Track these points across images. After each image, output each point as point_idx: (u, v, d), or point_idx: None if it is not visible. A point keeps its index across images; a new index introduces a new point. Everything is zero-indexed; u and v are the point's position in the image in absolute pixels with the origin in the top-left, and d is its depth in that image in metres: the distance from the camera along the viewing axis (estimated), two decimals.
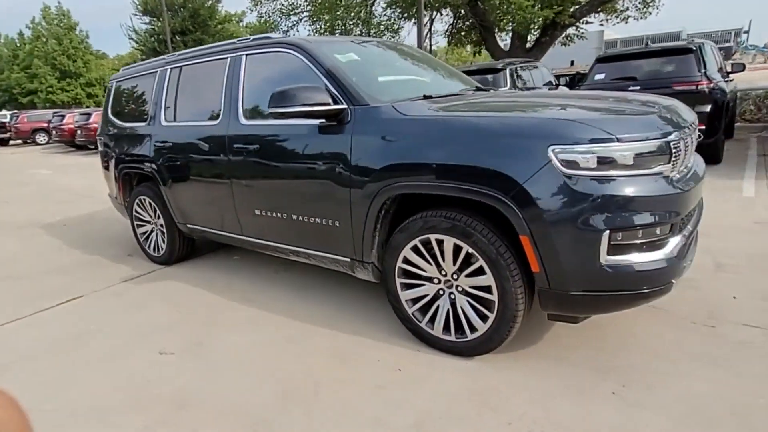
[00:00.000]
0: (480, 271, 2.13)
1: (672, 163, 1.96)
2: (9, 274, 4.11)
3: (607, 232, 1.84)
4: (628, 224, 1.86)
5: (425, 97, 2.62)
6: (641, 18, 19.05)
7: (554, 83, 10.12)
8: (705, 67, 6.14)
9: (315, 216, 2.70)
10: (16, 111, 25.01)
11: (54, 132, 17.73)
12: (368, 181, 2.37)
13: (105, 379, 2.40)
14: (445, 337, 2.33)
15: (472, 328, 2.23)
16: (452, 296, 2.30)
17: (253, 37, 3.13)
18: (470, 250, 2.12)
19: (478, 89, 3.13)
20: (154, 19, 27.75)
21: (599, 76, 6.84)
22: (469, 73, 8.10)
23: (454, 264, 2.22)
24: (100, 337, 2.86)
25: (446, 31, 23.32)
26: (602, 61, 6.99)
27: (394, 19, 23.51)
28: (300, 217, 2.78)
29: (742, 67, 7.81)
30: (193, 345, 2.68)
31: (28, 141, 20.80)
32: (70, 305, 3.37)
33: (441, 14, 23.30)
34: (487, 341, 2.21)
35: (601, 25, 20.52)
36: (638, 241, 1.90)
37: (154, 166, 3.67)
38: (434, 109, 2.35)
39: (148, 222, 4.06)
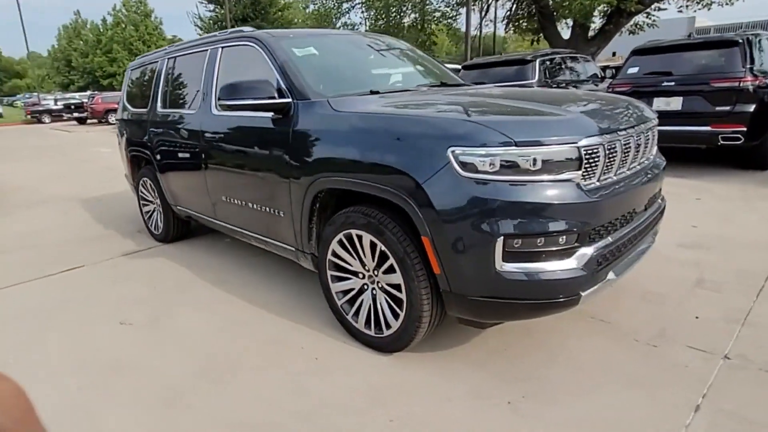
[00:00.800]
0: (393, 269, 2.14)
1: (584, 169, 1.85)
2: (35, 243, 4.59)
3: (501, 238, 1.79)
4: (525, 231, 1.79)
5: (372, 93, 2.62)
6: (726, 4, 17.38)
7: (600, 75, 9.55)
8: (752, 62, 5.56)
9: (265, 205, 2.80)
10: (94, 92, 27.23)
11: None
12: (302, 174, 2.44)
13: (66, 343, 2.66)
14: (366, 331, 2.37)
15: (387, 325, 2.25)
16: (374, 292, 2.32)
17: (230, 30, 3.26)
18: (383, 248, 2.13)
19: (443, 84, 3.07)
20: (218, 6, 28.97)
21: (632, 70, 6.40)
22: (496, 64, 7.89)
23: (373, 260, 2.24)
24: (80, 304, 3.15)
25: (504, 17, 22.62)
26: (638, 54, 6.51)
27: (453, 6, 23.06)
28: (255, 205, 2.90)
29: None
30: (152, 319, 2.89)
31: (102, 120, 22.62)
32: (69, 273, 3.72)
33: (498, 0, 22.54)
34: (398, 339, 2.22)
35: (680, 11, 18.99)
36: (538, 250, 1.83)
37: (150, 150, 3.94)
38: (365, 105, 2.35)
39: (151, 202, 4.37)
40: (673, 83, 5.89)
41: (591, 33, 19.48)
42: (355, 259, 2.34)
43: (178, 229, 4.20)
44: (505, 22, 22.53)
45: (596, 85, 9.16)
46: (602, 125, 1.94)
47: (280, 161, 2.57)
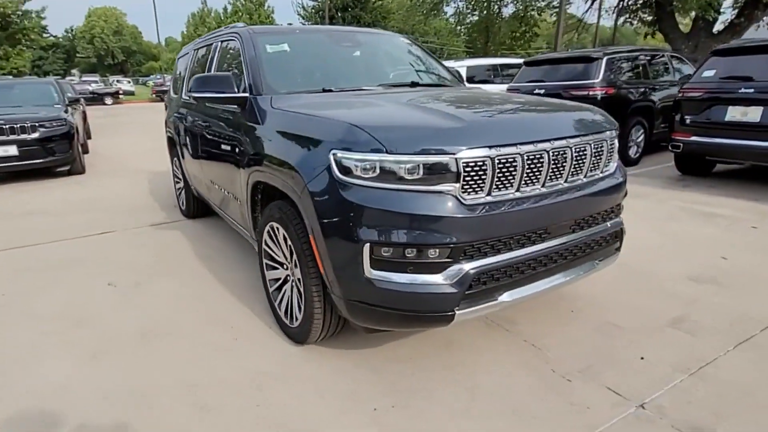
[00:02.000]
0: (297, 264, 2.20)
1: (464, 182, 1.76)
2: (91, 207, 5.33)
3: (368, 244, 1.78)
4: (392, 240, 1.76)
5: (324, 91, 2.68)
6: None
7: None
8: None
9: (230, 191, 3.01)
10: None
11: None
12: (245, 165, 2.58)
13: (61, 295, 3.10)
14: (284, 319, 2.47)
15: (296, 317, 2.33)
16: (293, 283, 2.41)
17: (231, 25, 3.49)
18: (289, 242, 2.21)
19: (414, 84, 3.00)
20: None
21: (708, 73, 5.60)
22: (560, 61, 7.36)
23: (287, 253, 2.32)
24: (91, 263, 3.64)
25: (615, 6, 20.91)
26: (719, 54, 5.68)
27: None
28: (225, 191, 3.12)
29: None
30: (135, 283, 3.26)
31: None
32: (100, 236, 4.30)
33: None
34: (301, 332, 2.29)
35: None
36: (406, 261, 1.78)
37: (175, 131, 4.38)
38: (293, 103, 2.41)
39: (180, 179, 4.84)
40: (752, 90, 5.07)
41: (720, 26, 17.17)
42: (279, 250, 2.44)
43: (197, 206, 4.60)
44: (616, 11, 20.77)
45: None
46: (493, 138, 1.81)
47: (236, 151, 2.74)
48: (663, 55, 8.03)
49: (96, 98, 27.63)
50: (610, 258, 2.36)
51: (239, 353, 2.37)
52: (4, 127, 6.27)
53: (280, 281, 2.52)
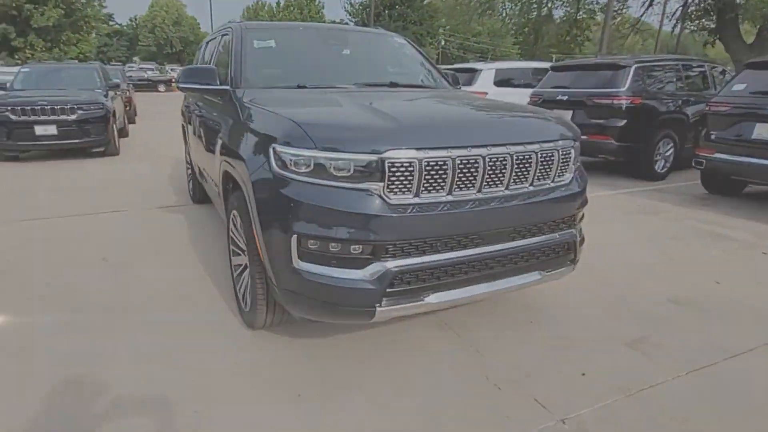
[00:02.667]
0: None
1: (389, 181, 1.79)
2: (112, 186, 5.70)
3: (295, 236, 1.85)
4: (316, 233, 1.82)
5: (299, 87, 2.76)
6: None
7: None
8: None
9: (213, 179, 3.15)
10: None
11: None
12: (219, 155, 2.71)
13: (58, 264, 3.36)
14: (242, 304, 2.58)
15: (247, 302, 2.44)
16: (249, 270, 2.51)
17: (230, 20, 3.64)
18: (243, 230, 2.31)
19: (393, 84, 3.02)
20: None
21: (738, 87, 5.29)
22: (586, 67, 7.14)
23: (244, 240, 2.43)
24: (96, 238, 3.90)
25: (675, 12, 20.18)
26: (753, 68, 5.35)
27: None
28: (210, 179, 3.27)
29: None
30: (125, 260, 3.47)
31: None
32: (110, 214, 4.59)
33: None
34: (249, 317, 2.39)
35: None
36: (330, 254, 1.84)
37: (185, 119, 4.60)
38: (264, 97, 2.50)
39: (190, 166, 5.08)
40: None
41: None
42: (240, 237, 2.55)
43: (202, 192, 4.80)
44: (676, 18, 19.98)
45: None
46: (423, 140, 1.83)
47: (215, 141, 2.87)
48: (704, 67, 7.61)
49: (150, 85, 29.09)
50: (562, 270, 2.32)
51: (195, 332, 2.50)
52: (45, 107, 6.77)
53: (242, 267, 2.64)
